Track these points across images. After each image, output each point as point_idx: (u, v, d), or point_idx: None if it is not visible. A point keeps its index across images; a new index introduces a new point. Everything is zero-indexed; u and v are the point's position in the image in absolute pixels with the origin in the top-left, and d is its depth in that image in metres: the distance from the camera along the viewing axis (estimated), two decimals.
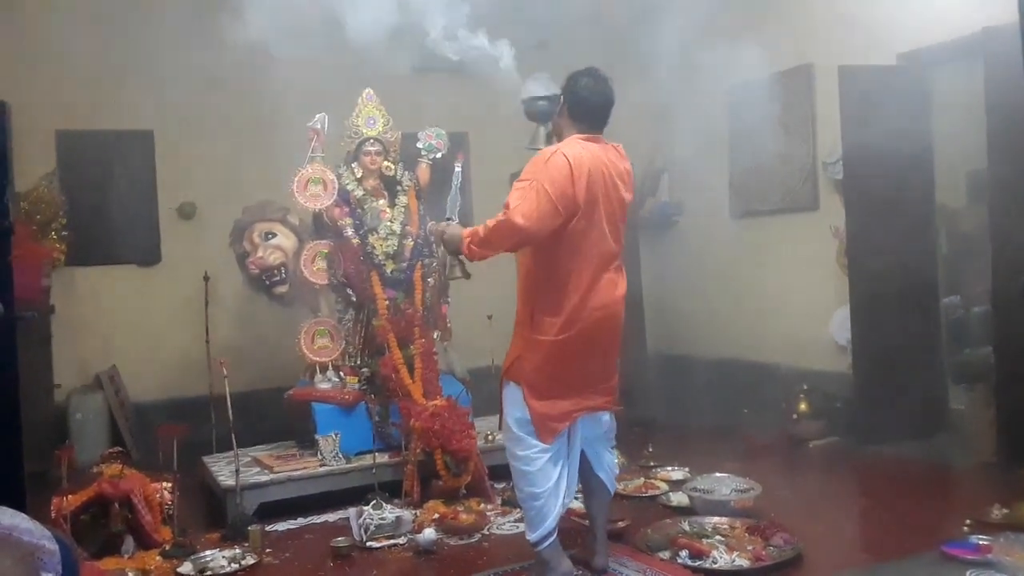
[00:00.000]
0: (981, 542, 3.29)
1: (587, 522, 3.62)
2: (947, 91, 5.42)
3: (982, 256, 4.80)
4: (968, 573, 3.13)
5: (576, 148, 3.22)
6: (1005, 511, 3.70)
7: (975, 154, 4.76)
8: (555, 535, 3.30)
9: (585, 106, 3.34)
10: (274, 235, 5.41)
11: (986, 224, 4.67)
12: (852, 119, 5.18)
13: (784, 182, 6.15)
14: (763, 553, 3.44)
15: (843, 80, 5.19)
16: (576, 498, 4.01)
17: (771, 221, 6.29)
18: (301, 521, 4.35)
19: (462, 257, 3.39)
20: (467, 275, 3.46)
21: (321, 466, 4.57)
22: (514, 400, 3.33)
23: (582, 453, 3.43)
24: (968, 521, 3.67)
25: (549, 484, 3.27)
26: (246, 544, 3.93)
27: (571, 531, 3.81)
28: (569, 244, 3.19)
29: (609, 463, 3.54)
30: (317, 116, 5.03)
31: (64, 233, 5.64)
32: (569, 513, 4.01)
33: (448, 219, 3.52)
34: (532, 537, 3.30)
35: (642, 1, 6.78)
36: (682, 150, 6.97)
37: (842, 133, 5.25)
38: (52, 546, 1.66)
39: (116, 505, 3.88)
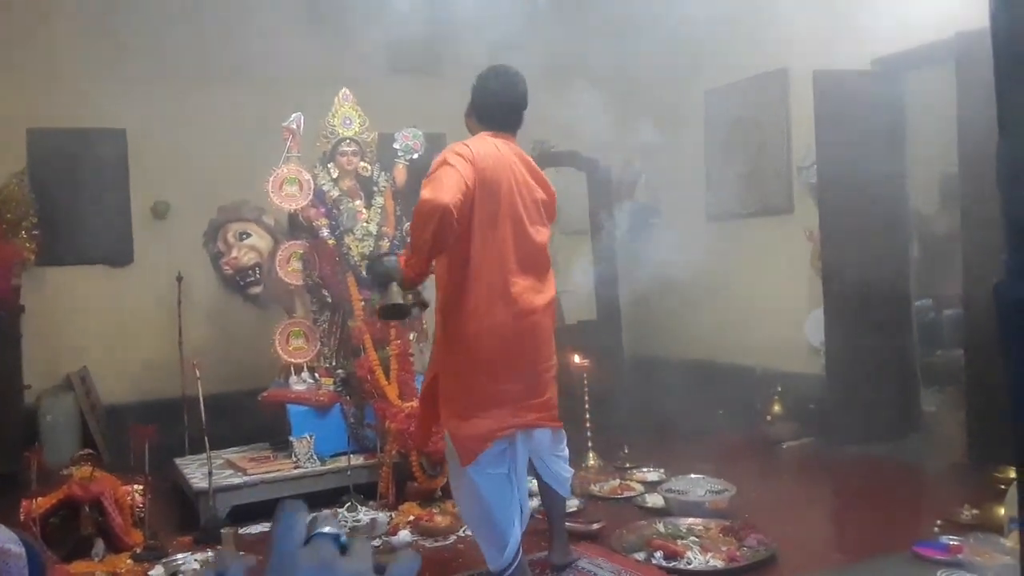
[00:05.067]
0: (952, 542, 3.33)
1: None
2: (920, 96, 5.48)
3: (954, 260, 4.85)
4: (939, 573, 3.17)
5: (479, 141, 3.14)
6: (975, 511, 3.74)
7: (947, 158, 4.81)
8: (519, 557, 3.15)
9: (493, 107, 3.24)
10: (249, 235, 5.38)
11: (958, 228, 4.72)
12: (826, 123, 5.22)
13: (759, 185, 6.19)
14: (737, 554, 3.46)
15: (818, 85, 5.23)
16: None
17: (746, 224, 6.33)
18: None
19: (403, 288, 3.13)
20: (403, 312, 3.19)
21: (295, 468, 4.54)
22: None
23: (530, 462, 3.34)
24: (939, 521, 3.71)
25: (505, 512, 3.13)
26: (219, 547, 3.89)
27: (543, 531, 3.80)
28: (476, 245, 3.04)
29: (556, 471, 3.40)
30: (293, 116, 5.00)
31: (35, 232, 5.55)
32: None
33: None
34: (494, 568, 3.14)
35: (617, 3, 6.82)
36: (658, 153, 7.01)
37: (816, 137, 5.29)
38: (18, 549, 1.63)
39: (86, 508, 3.84)
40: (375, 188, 5.10)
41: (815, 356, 5.64)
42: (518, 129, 3.30)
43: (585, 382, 4.88)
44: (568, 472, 3.49)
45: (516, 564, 3.16)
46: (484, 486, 3.11)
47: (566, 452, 3.47)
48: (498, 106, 3.24)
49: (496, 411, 3.11)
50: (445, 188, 2.91)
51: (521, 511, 3.23)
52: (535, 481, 3.54)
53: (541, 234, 3.23)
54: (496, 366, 3.10)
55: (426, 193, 2.93)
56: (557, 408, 3.33)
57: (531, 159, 3.31)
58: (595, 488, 4.53)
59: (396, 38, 6.68)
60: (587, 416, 4.87)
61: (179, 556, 3.80)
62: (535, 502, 3.82)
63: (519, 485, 3.22)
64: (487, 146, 3.12)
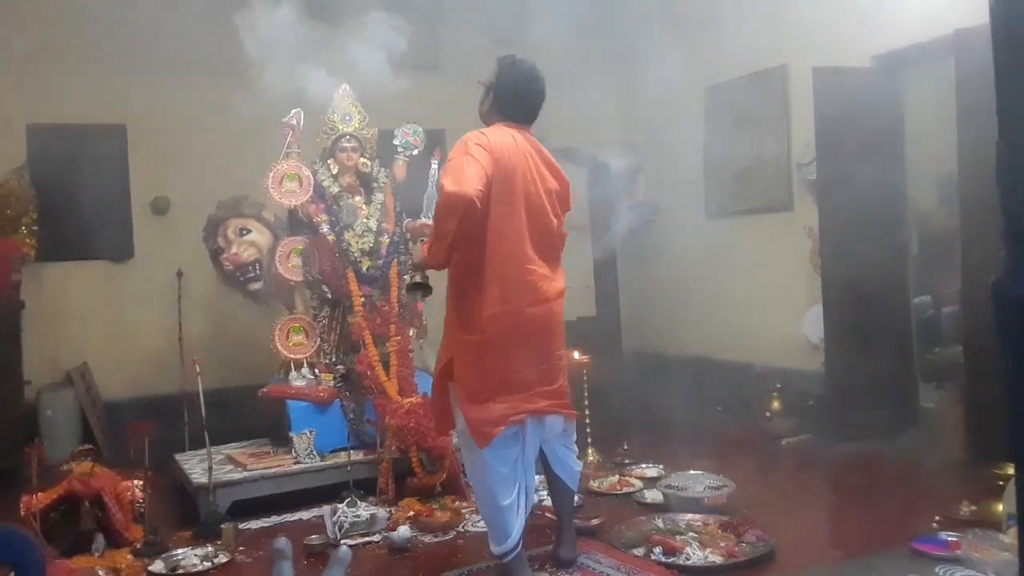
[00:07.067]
0: (950, 538, 3.33)
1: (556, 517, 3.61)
2: (919, 93, 5.49)
3: (952, 257, 4.86)
4: (937, 569, 3.17)
5: (496, 131, 3.22)
6: (974, 508, 3.74)
7: (946, 155, 4.81)
8: (520, 547, 3.22)
9: (511, 99, 3.30)
10: (249, 231, 5.37)
11: (956, 225, 4.72)
12: (826, 120, 5.22)
13: (759, 182, 6.19)
14: (736, 549, 3.46)
15: (817, 81, 5.23)
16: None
17: (746, 221, 6.33)
18: (275, 519, 4.33)
19: (426, 274, 3.31)
20: (427, 290, 3.35)
21: (295, 464, 4.54)
22: (455, 405, 3.27)
23: (542, 452, 3.38)
24: (937, 518, 3.71)
25: (511, 496, 3.19)
26: (219, 542, 3.90)
27: (544, 527, 3.82)
28: (491, 235, 3.11)
29: (567, 462, 3.45)
30: (292, 112, 5.00)
31: (35, 228, 5.56)
32: (542, 509, 4.02)
33: (426, 216, 3.50)
34: (496, 550, 3.22)
35: (617, 1, 6.82)
36: (658, 150, 7.02)
37: (816, 134, 5.29)
38: None
39: (87, 503, 3.84)
40: (375, 184, 5.10)
41: (814, 352, 5.65)
42: (534, 120, 3.36)
43: (585, 378, 4.90)
44: (578, 465, 3.54)
45: (515, 553, 3.20)
46: (497, 468, 3.18)
47: (575, 445, 3.53)
48: (516, 96, 3.30)
49: (509, 396, 3.18)
50: (467, 179, 2.97)
51: (527, 497, 3.29)
52: (542, 476, 3.56)
53: (556, 224, 3.31)
54: (511, 352, 3.17)
55: (449, 184, 2.98)
56: (569, 396, 3.40)
57: (545, 149, 3.35)
58: (594, 484, 4.54)
59: (396, 34, 6.68)
60: (587, 412, 4.88)
61: (179, 551, 3.80)
62: (540, 496, 3.84)
63: (526, 472, 3.28)
64: (503, 135, 3.19)
